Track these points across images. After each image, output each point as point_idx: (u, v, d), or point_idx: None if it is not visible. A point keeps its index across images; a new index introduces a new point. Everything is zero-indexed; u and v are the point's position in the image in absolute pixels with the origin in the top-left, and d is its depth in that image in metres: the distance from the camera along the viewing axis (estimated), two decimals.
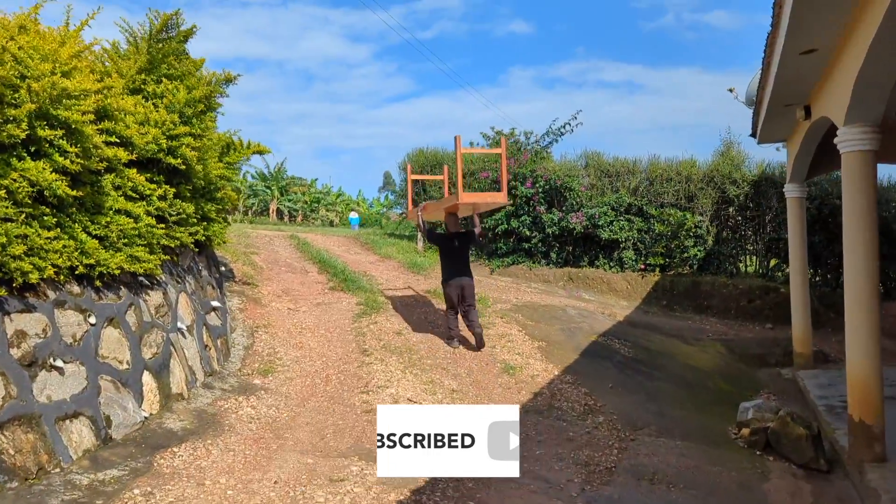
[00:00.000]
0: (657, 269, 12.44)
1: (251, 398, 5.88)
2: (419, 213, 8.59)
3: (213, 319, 6.57)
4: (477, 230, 8.19)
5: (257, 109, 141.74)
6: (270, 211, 54.31)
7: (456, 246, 8.04)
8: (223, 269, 9.99)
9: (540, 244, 13.05)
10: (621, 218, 12.63)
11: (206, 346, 6.18)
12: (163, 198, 5.44)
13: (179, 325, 5.69)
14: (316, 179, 61.56)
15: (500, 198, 7.78)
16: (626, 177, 13.11)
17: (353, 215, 46.67)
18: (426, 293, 10.47)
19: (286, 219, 54.82)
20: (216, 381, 6.09)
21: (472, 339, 7.87)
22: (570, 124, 13.46)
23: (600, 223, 12.46)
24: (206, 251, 6.95)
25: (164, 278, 5.64)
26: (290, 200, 55.46)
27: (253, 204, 55.51)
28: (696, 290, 12.12)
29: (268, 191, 54.30)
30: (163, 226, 5.36)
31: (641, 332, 9.87)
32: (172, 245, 5.65)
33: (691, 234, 12.22)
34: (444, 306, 8.32)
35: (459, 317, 8.02)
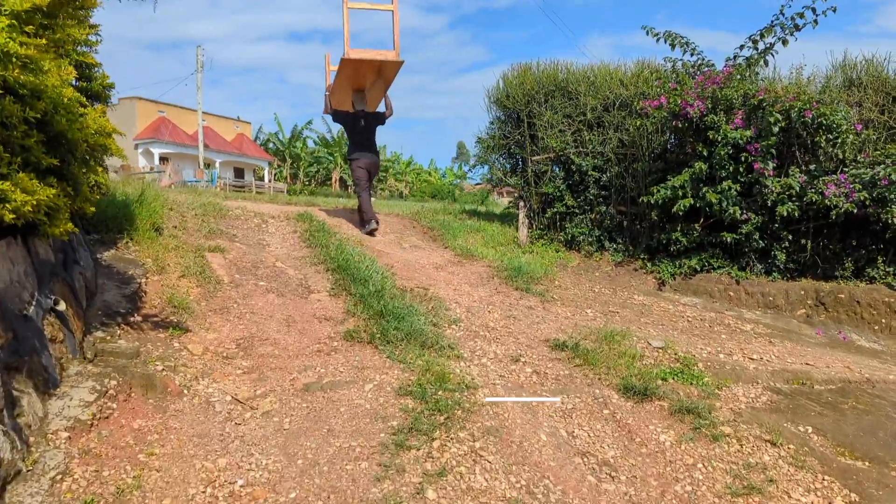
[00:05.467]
0: None
1: None
2: (327, 96, 8.42)
3: None
4: (387, 112, 8.47)
5: None
6: (333, 180, 49.45)
7: (363, 125, 8.29)
8: (116, 289, 4.50)
9: (756, 234, 6.96)
10: None
11: None
12: None
13: None
14: (384, 146, 56.33)
15: (391, 55, 7.50)
16: None
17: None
18: (560, 351, 4.71)
19: (350, 189, 49.87)
20: None
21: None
22: (813, 10, 7.18)
23: (891, 195, 6.28)
24: None
25: None
26: None
27: (316, 171, 50.88)
28: None
29: (330, 158, 49.38)
30: None
31: None
32: None
33: None
34: (610, 409, 4.14)
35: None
